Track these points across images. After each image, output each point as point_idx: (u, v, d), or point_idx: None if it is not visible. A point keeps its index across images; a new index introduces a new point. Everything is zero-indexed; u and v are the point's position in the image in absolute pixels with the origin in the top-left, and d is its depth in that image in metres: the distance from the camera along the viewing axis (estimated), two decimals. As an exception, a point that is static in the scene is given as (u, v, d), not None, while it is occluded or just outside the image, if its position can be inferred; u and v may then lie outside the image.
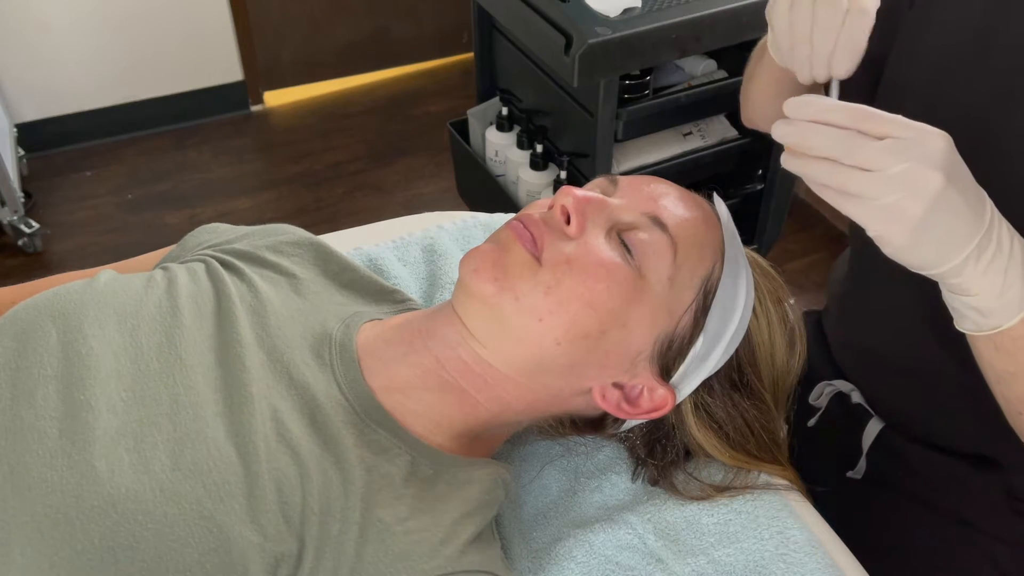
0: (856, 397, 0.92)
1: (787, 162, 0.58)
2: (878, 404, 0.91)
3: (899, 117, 0.55)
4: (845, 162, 0.55)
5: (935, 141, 0.55)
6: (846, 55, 0.63)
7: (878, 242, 0.58)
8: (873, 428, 0.90)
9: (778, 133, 0.58)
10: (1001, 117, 0.70)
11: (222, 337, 0.72)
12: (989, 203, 0.58)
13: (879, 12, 0.80)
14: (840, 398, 0.94)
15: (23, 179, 2.55)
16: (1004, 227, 0.59)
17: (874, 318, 0.88)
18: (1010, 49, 0.70)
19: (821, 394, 0.96)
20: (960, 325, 0.63)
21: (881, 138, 0.55)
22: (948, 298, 0.62)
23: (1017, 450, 0.70)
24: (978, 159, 0.68)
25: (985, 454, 0.75)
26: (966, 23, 0.73)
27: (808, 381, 0.97)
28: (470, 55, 2.85)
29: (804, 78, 0.66)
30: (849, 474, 0.92)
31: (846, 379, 0.94)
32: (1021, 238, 0.60)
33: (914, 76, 0.78)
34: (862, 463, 0.91)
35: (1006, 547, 0.82)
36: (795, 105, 0.58)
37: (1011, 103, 0.70)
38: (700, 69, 1.83)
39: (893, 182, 0.54)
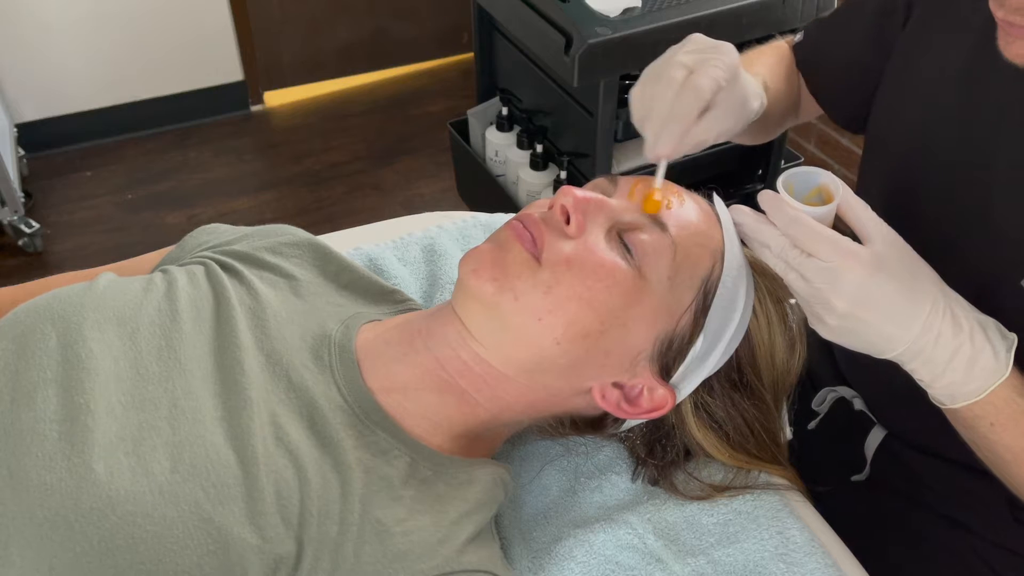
0: (858, 404, 0.92)
1: (751, 249, 0.69)
2: (879, 412, 0.90)
3: (832, 237, 0.62)
4: (785, 261, 0.64)
5: (848, 276, 0.61)
6: (670, 136, 0.67)
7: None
8: (876, 436, 0.90)
9: (742, 221, 0.68)
10: (987, 158, 0.71)
11: (221, 341, 0.72)
12: (931, 297, 0.63)
13: (867, 22, 0.85)
14: (844, 404, 0.94)
15: (23, 179, 2.55)
16: (947, 317, 0.62)
17: None
18: (996, 89, 0.71)
19: (824, 400, 0.95)
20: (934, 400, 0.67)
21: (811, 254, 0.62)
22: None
23: None
24: (962, 199, 0.72)
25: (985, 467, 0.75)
26: (955, 57, 0.74)
27: (813, 386, 0.97)
28: (470, 55, 2.85)
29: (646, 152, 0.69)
30: (854, 478, 0.92)
31: (849, 386, 0.94)
32: (976, 320, 0.63)
33: (904, 107, 0.79)
34: (866, 468, 0.91)
35: (1007, 553, 0.82)
36: (762, 198, 0.66)
37: (997, 141, 0.70)
38: (700, 69, 1.83)
39: (814, 294, 0.63)
